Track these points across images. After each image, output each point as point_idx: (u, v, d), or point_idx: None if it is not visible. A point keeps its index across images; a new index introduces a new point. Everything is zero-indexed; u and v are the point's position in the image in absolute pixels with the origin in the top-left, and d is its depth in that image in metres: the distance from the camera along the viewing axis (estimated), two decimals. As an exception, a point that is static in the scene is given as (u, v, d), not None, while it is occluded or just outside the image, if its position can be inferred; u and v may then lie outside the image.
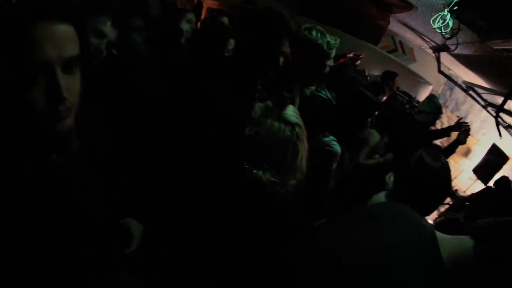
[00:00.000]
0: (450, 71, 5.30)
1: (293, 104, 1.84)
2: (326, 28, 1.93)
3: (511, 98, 2.76)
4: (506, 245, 0.85)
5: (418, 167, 1.41)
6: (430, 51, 4.85)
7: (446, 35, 2.86)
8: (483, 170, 5.53)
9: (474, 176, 5.82)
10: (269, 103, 1.36)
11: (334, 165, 1.92)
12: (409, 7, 3.54)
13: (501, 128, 4.90)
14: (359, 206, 1.17)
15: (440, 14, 2.78)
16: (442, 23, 2.80)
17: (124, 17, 2.06)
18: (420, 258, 0.81)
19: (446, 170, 1.50)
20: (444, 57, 4.59)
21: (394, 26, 4.77)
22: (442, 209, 5.08)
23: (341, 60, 3.91)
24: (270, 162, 1.15)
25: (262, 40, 1.54)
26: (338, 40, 1.90)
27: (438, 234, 0.92)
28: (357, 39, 4.61)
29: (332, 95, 2.51)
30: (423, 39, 4.57)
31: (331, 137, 1.91)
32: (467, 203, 4.95)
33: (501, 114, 4.26)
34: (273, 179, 1.13)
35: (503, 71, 2.98)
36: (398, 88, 4.94)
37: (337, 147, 1.89)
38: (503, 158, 5.48)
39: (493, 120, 5.63)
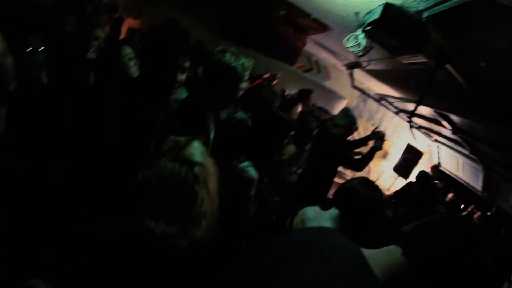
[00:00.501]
0: (363, 85, 5.86)
1: (208, 130, 1.77)
2: (243, 50, 1.88)
3: (422, 104, 3.15)
4: (430, 247, 0.88)
5: (355, 195, 1.48)
6: (344, 68, 5.26)
7: (359, 53, 3.00)
8: (402, 168, 6.23)
9: (395, 174, 6.48)
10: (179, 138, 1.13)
11: (253, 191, 1.81)
12: (325, 28, 3.73)
13: (413, 130, 5.53)
14: (283, 235, 1.03)
15: (353, 34, 2.88)
16: (355, 43, 2.91)
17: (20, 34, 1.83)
18: (355, 283, 0.79)
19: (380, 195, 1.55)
20: (357, 72, 5.03)
21: (309, 46, 5.10)
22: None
23: (258, 81, 3.97)
24: (164, 210, 0.98)
25: (157, 53, 1.48)
26: (252, 61, 1.87)
27: (366, 251, 0.90)
28: (274, 60, 4.87)
29: (248, 116, 2.48)
30: (337, 58, 4.96)
31: (247, 163, 1.82)
32: (393, 199, 5.45)
33: (413, 118, 4.82)
34: (169, 230, 0.96)
35: (412, 81, 3.37)
36: (314, 104, 5.28)
37: (253, 172, 1.80)
38: (418, 155, 6.21)
39: (405, 124, 6.36)
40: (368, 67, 4.45)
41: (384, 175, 6.99)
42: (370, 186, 1.52)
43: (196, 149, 1.08)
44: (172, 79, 1.58)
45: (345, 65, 5.04)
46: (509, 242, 4.55)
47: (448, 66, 2.56)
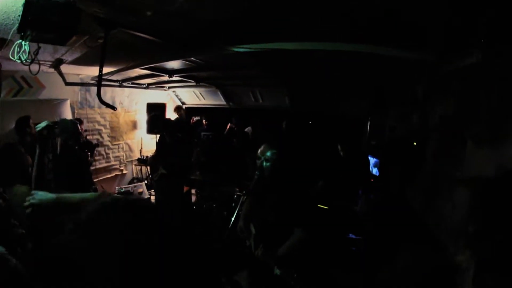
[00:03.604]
0: (81, 75, 5.89)
1: None
2: None
3: (122, 71, 3.65)
4: None
5: None
6: (52, 69, 5.14)
7: (28, 60, 2.84)
8: (154, 126, 6.73)
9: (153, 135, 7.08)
10: None
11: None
12: (2, 41, 3.41)
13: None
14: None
15: (16, 44, 2.70)
16: (21, 51, 2.73)
17: None
18: None
19: None
20: (68, 67, 5.12)
21: (6, 65, 4.59)
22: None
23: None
24: None
25: None
26: None
27: None
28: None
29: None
30: (39, 64, 4.78)
31: None
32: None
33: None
34: None
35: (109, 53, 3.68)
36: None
37: None
38: (161, 107, 6.98)
39: (137, 90, 6.84)
40: (71, 58, 4.54)
41: (145, 141, 7.56)
42: None
43: None
44: None
45: (50, 66, 4.99)
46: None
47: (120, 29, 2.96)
